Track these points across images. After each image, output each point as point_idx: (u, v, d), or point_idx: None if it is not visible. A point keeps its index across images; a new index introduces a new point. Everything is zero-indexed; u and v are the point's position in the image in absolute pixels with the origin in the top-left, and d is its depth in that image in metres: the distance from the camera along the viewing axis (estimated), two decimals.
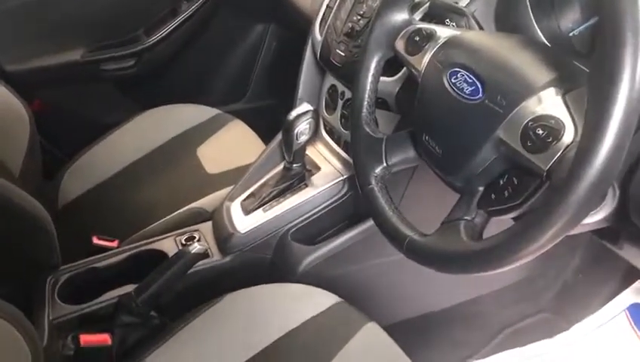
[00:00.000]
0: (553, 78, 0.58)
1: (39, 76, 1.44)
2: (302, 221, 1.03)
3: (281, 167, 1.07)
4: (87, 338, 0.86)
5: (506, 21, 0.79)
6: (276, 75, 1.73)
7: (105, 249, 1.06)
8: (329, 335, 0.86)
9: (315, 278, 0.98)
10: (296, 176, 1.05)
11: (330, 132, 1.12)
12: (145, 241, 1.06)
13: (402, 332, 0.93)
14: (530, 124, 0.56)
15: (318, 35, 1.07)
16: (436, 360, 1.19)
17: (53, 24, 1.45)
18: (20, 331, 0.69)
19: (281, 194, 1.05)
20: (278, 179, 1.06)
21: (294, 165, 1.03)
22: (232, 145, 1.36)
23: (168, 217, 1.14)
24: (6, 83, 1.24)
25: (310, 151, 1.10)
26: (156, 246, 1.04)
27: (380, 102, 0.87)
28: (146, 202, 1.21)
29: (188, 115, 1.45)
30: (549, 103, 0.56)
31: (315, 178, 1.05)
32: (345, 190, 1.04)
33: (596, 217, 0.65)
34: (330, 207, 1.03)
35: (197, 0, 1.57)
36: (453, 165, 0.65)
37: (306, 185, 1.04)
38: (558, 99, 0.56)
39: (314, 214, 1.03)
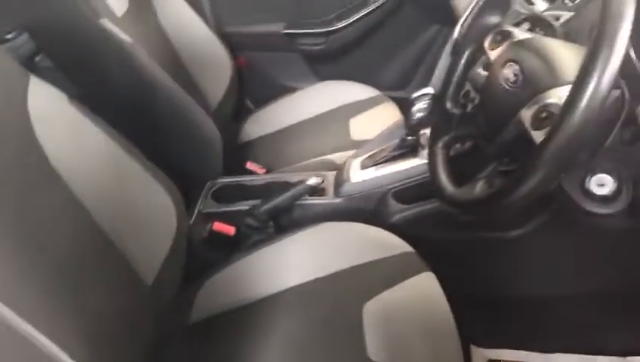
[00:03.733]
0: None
1: (247, 39, 1.84)
2: (403, 184, 1.20)
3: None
4: (218, 225, 1.18)
5: None
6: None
7: (254, 173, 1.38)
8: (387, 274, 1.02)
9: (402, 233, 1.16)
10: (409, 148, 1.24)
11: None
12: (282, 174, 1.34)
13: (467, 306, 1.05)
14: (543, 107, 0.70)
15: (456, 32, 1.24)
16: (481, 337, 1.29)
17: (265, 1, 1.83)
18: (175, 206, 0.99)
19: (393, 159, 1.24)
20: (395, 147, 1.26)
21: (409, 138, 1.22)
22: (380, 122, 1.58)
23: (308, 161, 1.41)
24: (222, 39, 1.63)
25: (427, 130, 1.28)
26: (289, 178, 1.31)
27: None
28: (297, 148, 1.50)
29: (353, 91, 1.71)
30: (560, 96, 0.69)
31: (424, 152, 1.22)
32: None
33: (609, 209, 0.76)
34: (428, 178, 1.20)
35: None
36: (489, 138, 0.81)
37: (415, 156, 1.23)
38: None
39: (414, 180, 1.20)
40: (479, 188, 0.77)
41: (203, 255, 1.18)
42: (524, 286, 1.19)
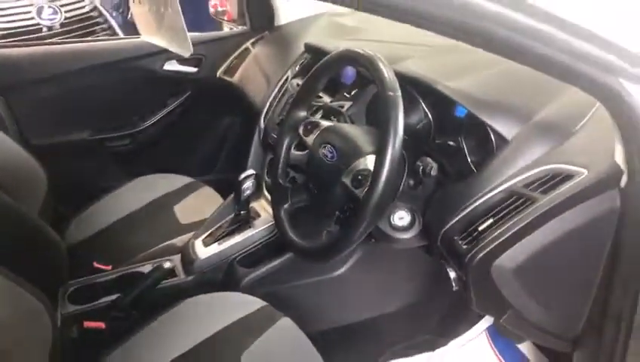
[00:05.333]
0: (374, 149, 1.03)
1: (55, 148, 1.90)
2: (245, 251, 1.44)
3: (233, 214, 1.50)
4: (88, 324, 1.25)
5: (370, 119, 1.28)
6: (238, 154, 2.20)
7: (102, 271, 1.46)
8: (250, 328, 1.20)
9: (253, 292, 1.36)
10: (243, 221, 1.47)
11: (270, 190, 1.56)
12: (130, 266, 1.46)
13: (322, 338, 1.27)
14: (357, 172, 1.01)
15: (262, 123, 1.54)
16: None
17: (69, 111, 1.93)
18: (49, 314, 1.07)
19: (232, 233, 1.47)
20: (230, 222, 1.49)
21: (242, 212, 1.46)
22: (201, 204, 1.78)
23: (149, 251, 1.54)
24: (30, 152, 1.68)
25: (255, 204, 1.53)
26: (139, 269, 1.43)
27: (293, 167, 1.32)
28: (132, 241, 1.61)
29: (169, 181, 1.88)
30: (369, 162, 1.01)
31: (257, 222, 1.47)
32: (276, 231, 1.46)
33: (409, 234, 1.09)
34: (265, 242, 1.45)
35: (180, 96, 2.10)
36: (323, 200, 1.10)
37: (250, 227, 1.46)
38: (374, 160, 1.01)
39: (254, 247, 1.44)
40: (325, 237, 1.05)
41: (75, 354, 1.24)
42: (358, 313, 1.50)
